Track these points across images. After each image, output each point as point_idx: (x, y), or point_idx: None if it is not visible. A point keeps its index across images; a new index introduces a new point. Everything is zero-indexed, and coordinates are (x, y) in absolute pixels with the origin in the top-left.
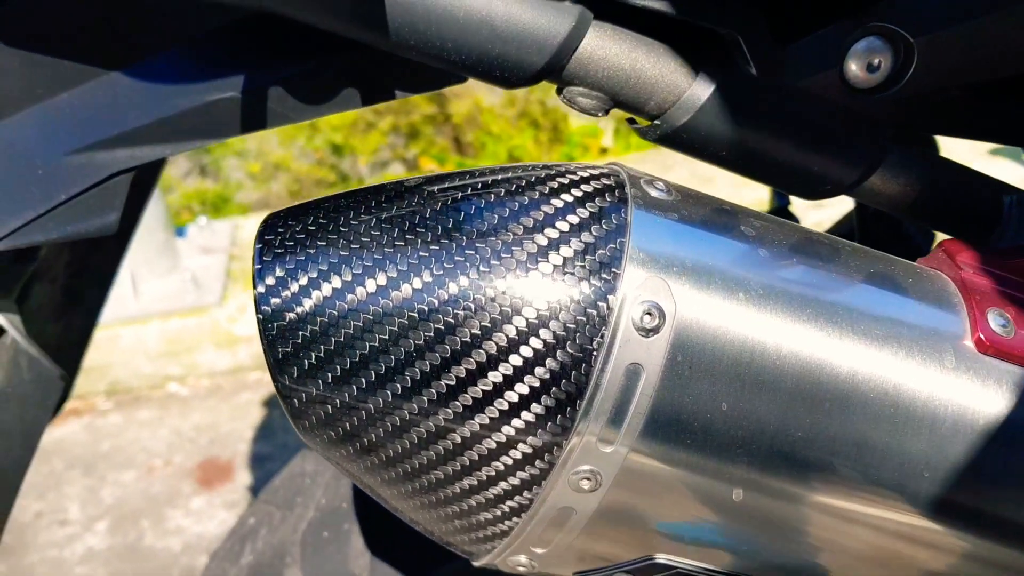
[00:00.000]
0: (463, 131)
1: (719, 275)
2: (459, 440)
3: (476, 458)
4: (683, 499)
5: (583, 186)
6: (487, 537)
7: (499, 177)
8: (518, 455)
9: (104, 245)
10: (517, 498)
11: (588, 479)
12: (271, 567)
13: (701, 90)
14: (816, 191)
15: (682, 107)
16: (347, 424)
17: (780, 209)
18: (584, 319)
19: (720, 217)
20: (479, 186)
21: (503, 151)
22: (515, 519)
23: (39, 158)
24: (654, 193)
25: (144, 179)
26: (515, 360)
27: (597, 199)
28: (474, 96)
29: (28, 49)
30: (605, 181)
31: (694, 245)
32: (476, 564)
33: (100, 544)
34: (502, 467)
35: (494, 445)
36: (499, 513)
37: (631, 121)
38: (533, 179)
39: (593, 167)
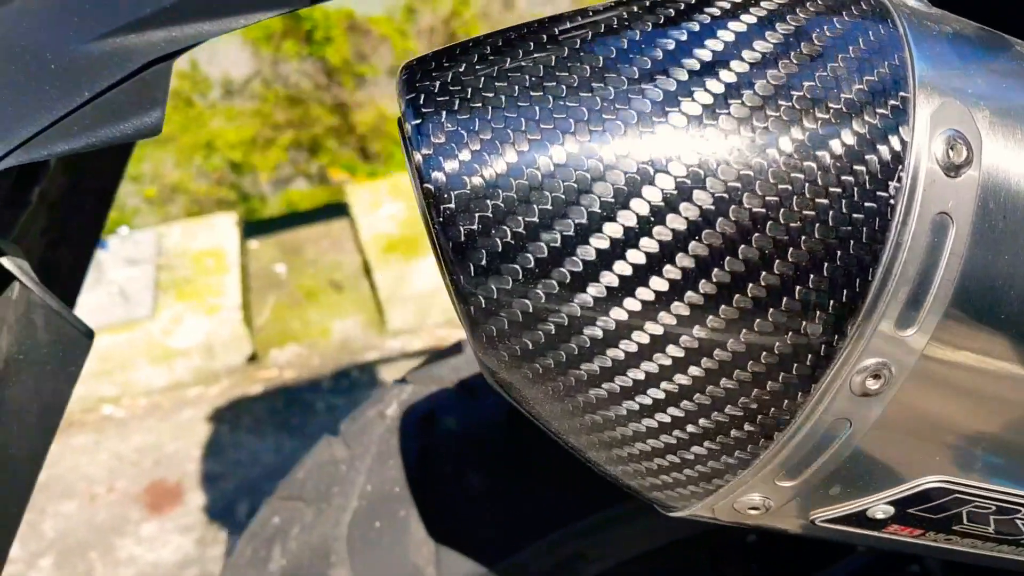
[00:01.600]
0: (369, 141)
1: (1016, 100)
2: (699, 341)
3: (718, 364)
4: (981, 396)
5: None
6: (712, 473)
7: None
8: (781, 354)
9: (84, 206)
10: (772, 412)
11: (876, 377)
12: (312, 568)
13: None
14: None
15: None
16: (550, 326)
17: None
18: (874, 159)
19: (991, 36)
20: (677, 6)
21: None
22: (763, 442)
23: (51, 49)
24: (912, 2)
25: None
26: (779, 224)
27: (851, 7)
28: (377, 105)
29: None
30: None
31: (979, 64)
32: (679, 514)
33: None
34: (755, 373)
35: (747, 343)
36: (741, 437)
37: None
38: None
39: None
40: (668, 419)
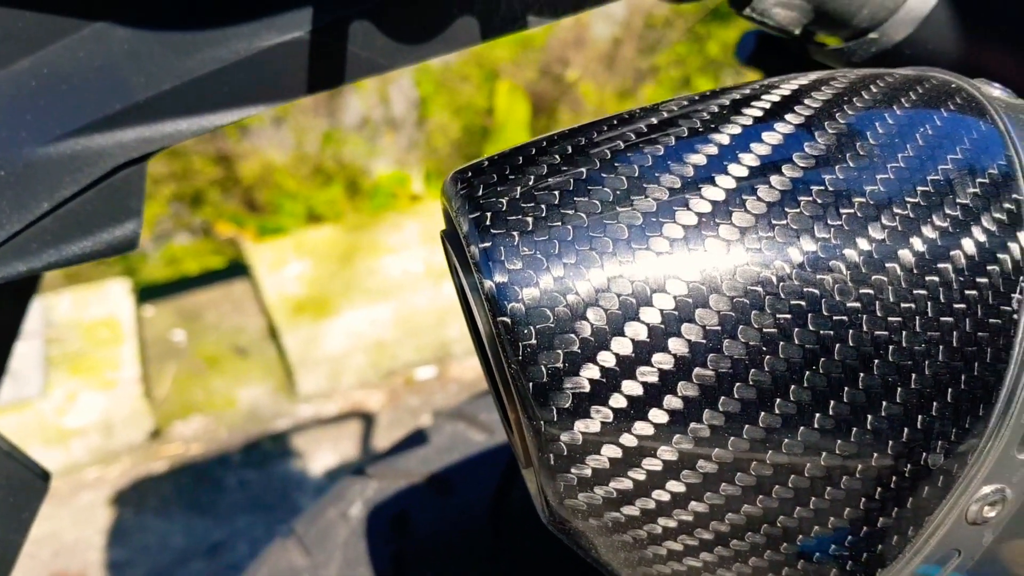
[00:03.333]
0: (255, 192)
1: None
2: (810, 481)
3: (829, 504)
4: None
5: (909, 93)
6: None
7: (766, 99)
8: (898, 487)
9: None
10: (880, 549)
11: (994, 504)
12: None
13: None
14: None
15: (905, 16)
16: (641, 474)
17: None
18: (996, 270)
19: None
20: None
21: (302, 209)
22: None
23: (3, 152)
24: (998, 93)
25: None
26: (902, 348)
27: (946, 103)
28: (262, 156)
29: None
30: (930, 83)
31: None
32: None
33: None
34: (868, 509)
35: (864, 478)
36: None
37: (814, 44)
38: (826, 93)
39: (885, 72)
40: (764, 564)
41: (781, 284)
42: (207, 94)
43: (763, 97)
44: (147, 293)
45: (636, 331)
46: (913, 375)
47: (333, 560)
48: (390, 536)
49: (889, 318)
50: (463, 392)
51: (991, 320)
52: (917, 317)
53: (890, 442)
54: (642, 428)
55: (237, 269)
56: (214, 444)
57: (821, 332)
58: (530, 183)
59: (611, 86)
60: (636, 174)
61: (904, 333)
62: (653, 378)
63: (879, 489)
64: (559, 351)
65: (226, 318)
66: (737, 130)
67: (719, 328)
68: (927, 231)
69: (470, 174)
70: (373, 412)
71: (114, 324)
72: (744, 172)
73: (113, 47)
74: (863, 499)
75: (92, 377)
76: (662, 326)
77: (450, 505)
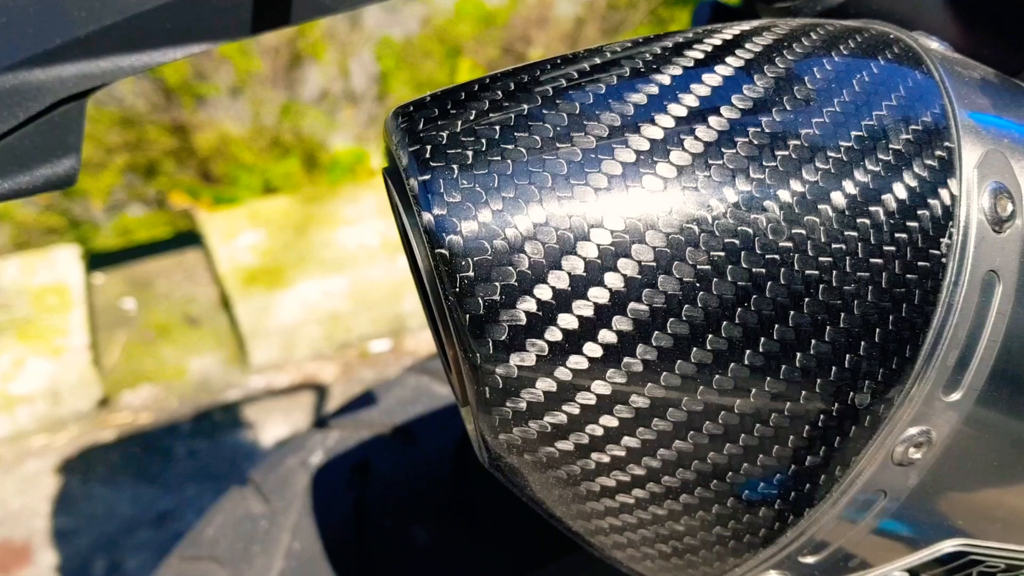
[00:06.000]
0: (211, 163)
1: None
2: (740, 418)
3: (757, 441)
4: (1013, 456)
5: (848, 41)
6: (731, 552)
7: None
8: (825, 426)
9: None
10: (807, 488)
11: (919, 445)
12: None
13: None
14: None
15: None
16: (575, 408)
17: None
18: (925, 215)
19: (1009, 82)
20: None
21: (258, 182)
22: (794, 519)
23: None
24: (936, 46)
25: None
26: (831, 288)
27: (884, 52)
28: (219, 127)
29: None
30: (869, 33)
31: (1011, 111)
32: None
33: None
34: (796, 448)
35: (792, 416)
36: (769, 515)
37: (764, 2)
38: (766, 39)
39: (826, 22)
40: (695, 501)
41: (716, 222)
42: (149, 30)
43: (705, 41)
44: (97, 261)
45: (573, 265)
46: (842, 314)
47: (292, 507)
48: (351, 484)
49: (820, 258)
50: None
51: (920, 263)
52: (847, 258)
53: (819, 380)
54: (577, 362)
55: (190, 238)
56: (164, 414)
57: (753, 270)
58: (471, 118)
59: None
60: (577, 112)
61: (834, 273)
62: (588, 312)
63: (807, 428)
64: (496, 283)
65: (178, 287)
66: (678, 71)
67: (654, 264)
68: (859, 175)
69: (411, 109)
70: (326, 384)
71: (63, 291)
72: (683, 112)
73: None
74: (791, 437)
75: (40, 344)
76: (599, 260)
77: (412, 455)
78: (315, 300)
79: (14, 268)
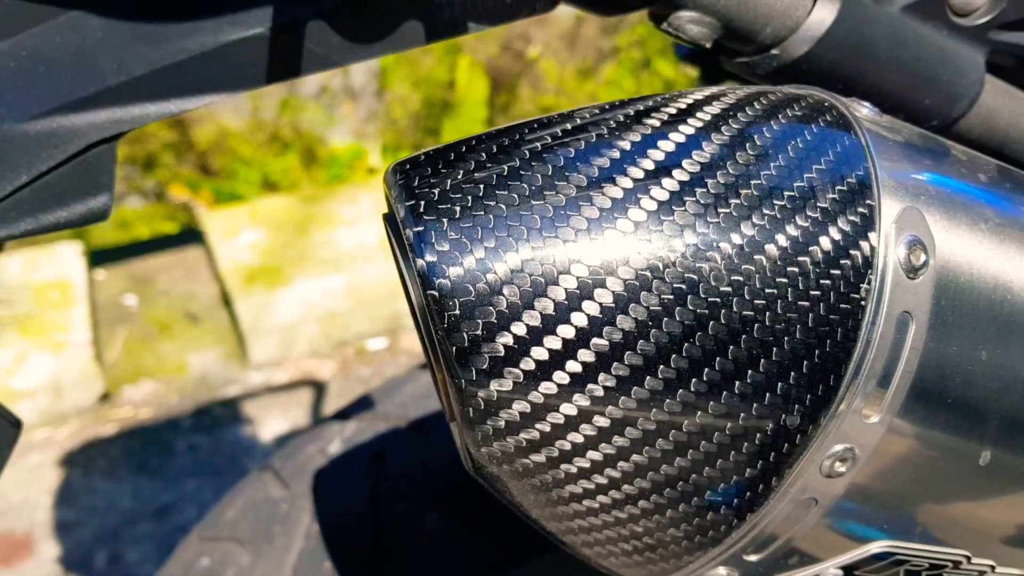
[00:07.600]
0: (209, 157)
1: (960, 203)
2: (688, 435)
3: (703, 455)
4: (929, 469)
5: (787, 110)
6: (685, 551)
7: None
8: (761, 443)
9: None
10: (748, 496)
11: (844, 460)
12: None
13: (822, 16)
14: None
15: (803, 36)
16: (546, 426)
17: None
18: (848, 264)
19: (931, 141)
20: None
21: (257, 176)
22: (737, 523)
23: None
24: (866, 112)
25: None
26: (765, 326)
27: (818, 119)
28: (218, 121)
29: None
30: (807, 101)
31: (928, 169)
32: None
33: None
34: (736, 461)
35: (732, 435)
36: (716, 519)
37: (726, 55)
38: (715, 108)
39: (771, 90)
40: (651, 506)
41: (667, 270)
42: (174, 81)
43: (662, 109)
44: (99, 257)
45: (544, 305)
46: (775, 349)
47: (311, 492)
48: (368, 472)
49: (755, 300)
50: (414, 363)
51: (842, 305)
52: (779, 300)
53: (755, 405)
54: (548, 387)
55: (191, 235)
56: (164, 409)
57: (698, 311)
58: (459, 177)
59: (572, 65)
60: (550, 172)
61: (768, 314)
62: (558, 345)
63: (746, 444)
64: (478, 320)
65: (178, 284)
66: (637, 137)
67: (613, 305)
68: (791, 229)
69: (408, 166)
70: (324, 381)
71: (65, 286)
72: (640, 174)
73: (88, 34)
74: (733, 452)
75: (42, 339)
76: (566, 302)
77: (427, 447)
78: (314, 298)
79: (17, 264)
